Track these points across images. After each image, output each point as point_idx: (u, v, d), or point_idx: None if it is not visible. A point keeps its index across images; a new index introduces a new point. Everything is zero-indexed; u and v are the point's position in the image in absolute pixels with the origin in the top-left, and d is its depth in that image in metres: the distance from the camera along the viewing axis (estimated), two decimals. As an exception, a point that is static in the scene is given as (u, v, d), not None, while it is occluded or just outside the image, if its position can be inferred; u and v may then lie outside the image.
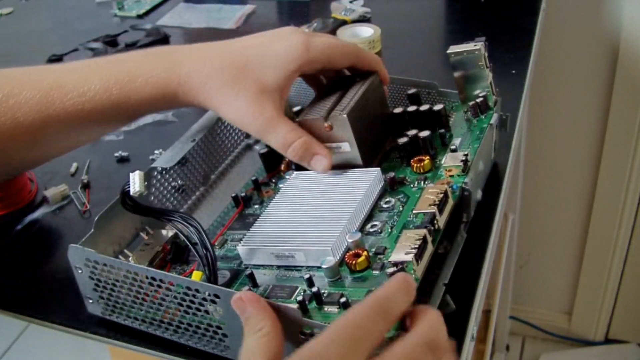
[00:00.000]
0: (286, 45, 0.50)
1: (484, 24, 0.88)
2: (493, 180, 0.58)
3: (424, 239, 0.42)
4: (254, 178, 0.57)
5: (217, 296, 0.40)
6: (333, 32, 0.86)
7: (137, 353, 0.46)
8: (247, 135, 0.65)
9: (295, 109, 0.64)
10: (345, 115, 0.50)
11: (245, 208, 0.55)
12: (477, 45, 0.55)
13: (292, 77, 0.51)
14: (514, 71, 0.75)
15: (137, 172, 0.47)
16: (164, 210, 0.49)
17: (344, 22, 0.88)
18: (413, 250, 0.41)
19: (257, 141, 0.65)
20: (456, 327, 0.45)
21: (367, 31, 0.84)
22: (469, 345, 0.45)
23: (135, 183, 0.47)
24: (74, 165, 0.66)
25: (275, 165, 0.58)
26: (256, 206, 0.54)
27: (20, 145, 0.51)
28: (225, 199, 0.57)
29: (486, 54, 0.55)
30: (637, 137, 1.20)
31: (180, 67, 0.50)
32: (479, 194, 0.52)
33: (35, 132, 0.50)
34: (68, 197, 0.62)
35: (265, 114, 0.49)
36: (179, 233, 0.49)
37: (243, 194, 0.55)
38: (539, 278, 1.50)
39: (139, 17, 0.99)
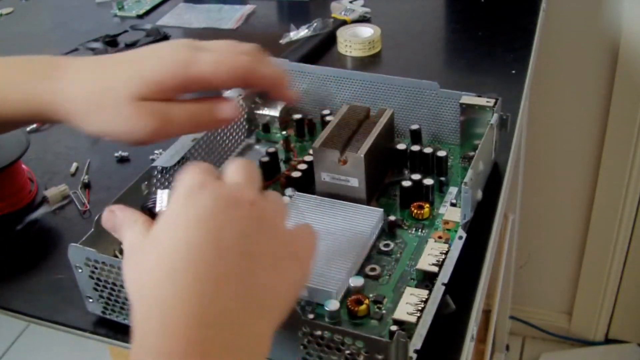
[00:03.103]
0: (162, 65, 0.44)
1: (484, 24, 0.88)
2: (493, 180, 0.58)
3: (426, 301, 0.43)
4: None
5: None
6: (333, 32, 0.86)
7: (137, 353, 0.46)
8: (248, 135, 0.65)
9: (296, 116, 0.64)
10: (362, 156, 0.52)
11: None
12: (489, 102, 0.56)
13: (168, 94, 0.44)
14: (514, 71, 0.75)
15: (167, 190, 0.47)
16: None
17: (344, 22, 0.88)
18: (416, 313, 0.43)
19: (258, 141, 0.65)
20: (456, 327, 0.45)
21: (367, 31, 0.84)
22: (469, 345, 0.45)
23: (163, 201, 0.47)
24: (74, 165, 0.66)
25: (273, 173, 0.59)
26: None
27: None
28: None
29: (497, 115, 0.56)
30: (637, 137, 1.20)
31: (54, 95, 0.45)
32: (479, 194, 0.52)
33: None
34: (68, 197, 0.61)
35: (146, 128, 0.44)
36: None
37: None
38: (539, 278, 1.50)
39: (139, 17, 0.99)
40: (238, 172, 0.38)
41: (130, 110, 0.43)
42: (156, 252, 0.34)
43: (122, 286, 0.45)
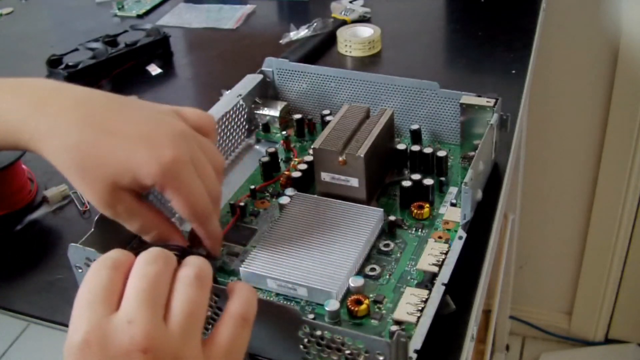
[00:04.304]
0: (153, 168, 0.40)
1: (484, 24, 0.88)
2: (493, 180, 0.58)
3: (426, 301, 0.43)
4: (252, 187, 0.57)
5: (217, 295, 0.41)
6: (333, 32, 0.86)
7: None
8: (248, 135, 0.65)
9: (296, 116, 0.64)
10: (362, 156, 0.52)
11: (241, 217, 0.55)
12: (489, 102, 0.56)
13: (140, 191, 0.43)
14: (514, 71, 0.75)
15: None
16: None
17: (344, 22, 0.88)
18: (416, 313, 0.43)
19: (258, 141, 0.65)
20: (456, 327, 0.45)
21: (367, 31, 0.85)
22: (469, 345, 0.45)
23: None
24: (74, 165, 0.66)
25: (273, 173, 0.59)
26: (252, 217, 0.55)
27: None
28: (225, 198, 0.57)
29: (497, 115, 0.56)
30: (637, 137, 1.20)
31: (35, 141, 0.45)
32: (479, 194, 0.52)
33: None
34: (68, 197, 0.61)
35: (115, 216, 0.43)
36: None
37: (241, 204, 0.55)
38: (539, 278, 1.50)
39: (139, 17, 0.99)
40: (135, 296, 0.33)
41: (107, 195, 0.41)
42: None
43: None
